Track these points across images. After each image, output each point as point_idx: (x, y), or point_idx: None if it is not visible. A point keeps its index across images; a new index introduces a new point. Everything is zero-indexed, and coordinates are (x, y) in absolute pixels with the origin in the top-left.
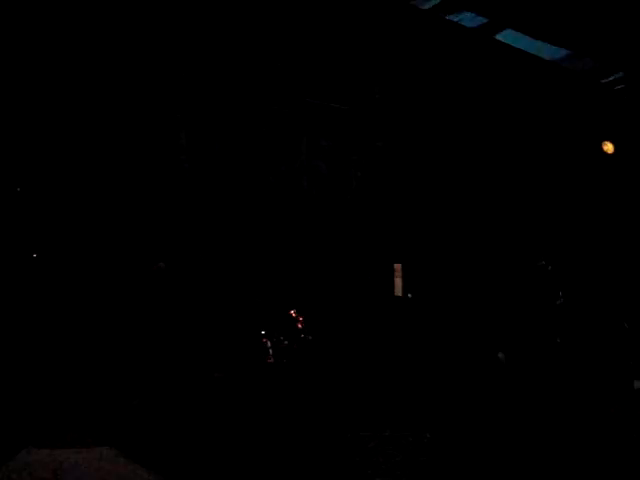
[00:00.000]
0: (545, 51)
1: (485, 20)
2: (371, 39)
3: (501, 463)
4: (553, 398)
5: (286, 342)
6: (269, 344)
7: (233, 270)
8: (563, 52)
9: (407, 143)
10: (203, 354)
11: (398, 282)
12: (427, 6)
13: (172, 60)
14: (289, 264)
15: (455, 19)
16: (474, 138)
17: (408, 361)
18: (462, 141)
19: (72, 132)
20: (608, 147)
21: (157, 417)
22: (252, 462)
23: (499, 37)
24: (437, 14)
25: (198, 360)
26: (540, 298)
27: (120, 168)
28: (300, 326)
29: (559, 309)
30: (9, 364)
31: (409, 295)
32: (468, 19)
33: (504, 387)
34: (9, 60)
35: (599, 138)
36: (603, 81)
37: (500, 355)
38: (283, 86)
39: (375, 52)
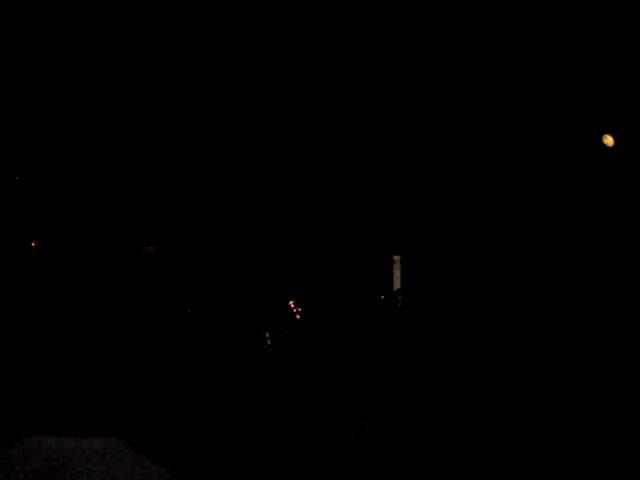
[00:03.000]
0: None
1: None
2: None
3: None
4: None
5: (284, 333)
6: (267, 335)
7: (231, 260)
8: None
9: (409, 133)
10: (202, 344)
11: (397, 274)
12: None
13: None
14: (288, 255)
15: None
16: (475, 131)
17: (400, 353)
18: (464, 134)
19: (65, 123)
20: (608, 140)
21: (161, 408)
22: (250, 452)
23: None
24: None
25: (197, 351)
26: (542, 293)
27: (112, 156)
28: (298, 317)
29: (560, 304)
30: (17, 353)
31: (407, 288)
32: None
33: (501, 379)
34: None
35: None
36: None
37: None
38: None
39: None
